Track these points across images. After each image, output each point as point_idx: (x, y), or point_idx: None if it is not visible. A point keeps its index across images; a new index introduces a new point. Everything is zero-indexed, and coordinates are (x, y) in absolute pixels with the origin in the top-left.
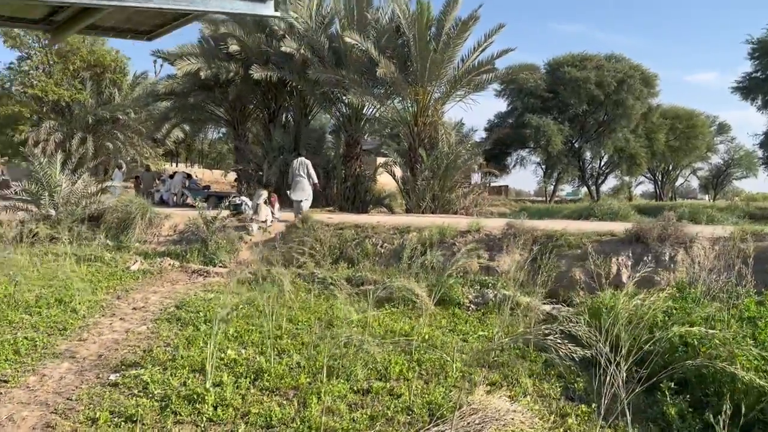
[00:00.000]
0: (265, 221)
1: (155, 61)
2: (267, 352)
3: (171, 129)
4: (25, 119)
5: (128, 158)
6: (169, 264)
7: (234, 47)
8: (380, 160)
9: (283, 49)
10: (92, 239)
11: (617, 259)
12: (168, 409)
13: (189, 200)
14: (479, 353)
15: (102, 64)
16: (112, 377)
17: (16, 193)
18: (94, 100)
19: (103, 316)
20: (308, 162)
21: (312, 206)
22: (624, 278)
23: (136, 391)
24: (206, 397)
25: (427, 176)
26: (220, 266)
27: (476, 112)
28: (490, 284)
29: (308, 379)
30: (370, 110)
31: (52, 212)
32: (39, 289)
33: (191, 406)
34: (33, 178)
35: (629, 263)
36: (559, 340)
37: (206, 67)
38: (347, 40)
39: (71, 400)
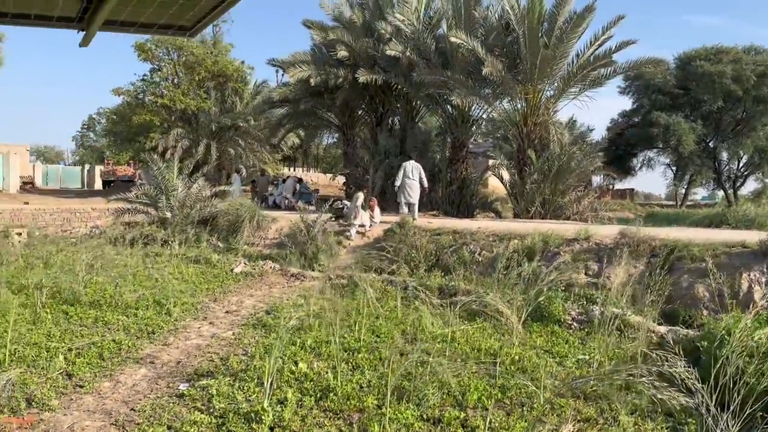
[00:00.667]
0: (364, 225)
1: (277, 71)
2: (339, 367)
3: (285, 135)
4: (155, 127)
5: (248, 163)
6: (270, 267)
7: (342, 53)
8: (490, 162)
9: (388, 52)
10: (204, 241)
11: (748, 275)
12: (224, 428)
13: (299, 204)
14: (574, 381)
15: (225, 74)
16: (182, 387)
17: (137, 196)
18: (218, 109)
19: (194, 319)
20: (420, 166)
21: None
22: (756, 297)
23: (199, 405)
24: (263, 417)
25: (536, 179)
26: (319, 270)
27: (596, 111)
28: (596, 300)
29: (376, 402)
30: (477, 111)
31: (168, 215)
32: (142, 291)
33: (247, 426)
34: (153, 182)
35: (763, 280)
36: (657, 382)
37: (316, 74)
38: (452, 39)
39: (134, 411)
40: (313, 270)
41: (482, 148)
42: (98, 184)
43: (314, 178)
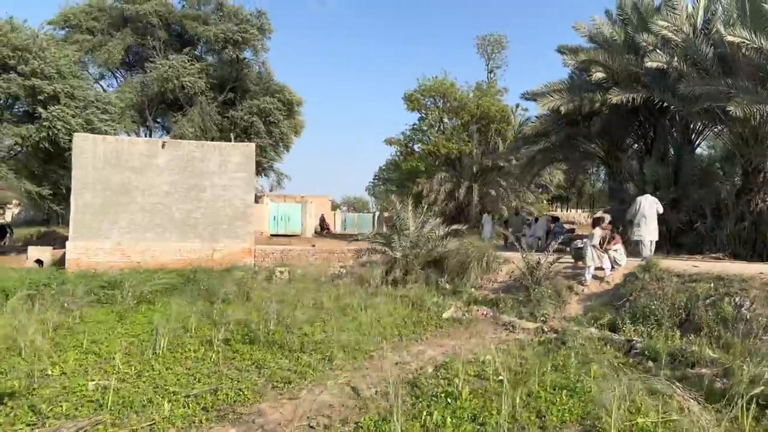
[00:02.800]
0: (603, 268)
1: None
2: None
3: (538, 171)
4: (421, 173)
5: (510, 204)
6: (483, 314)
7: (598, 74)
8: None
9: (649, 64)
10: (432, 282)
11: None
12: None
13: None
14: None
15: (488, 116)
16: None
17: (373, 237)
18: (480, 151)
19: (356, 368)
20: (657, 200)
21: (694, 252)
22: None
23: None
24: None
25: None
26: (542, 320)
27: None
28: None
29: None
30: None
31: (398, 255)
32: (334, 332)
33: None
34: (391, 223)
35: None
36: None
37: (568, 101)
38: (730, 39)
39: None
40: (534, 319)
41: None
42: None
43: (583, 217)
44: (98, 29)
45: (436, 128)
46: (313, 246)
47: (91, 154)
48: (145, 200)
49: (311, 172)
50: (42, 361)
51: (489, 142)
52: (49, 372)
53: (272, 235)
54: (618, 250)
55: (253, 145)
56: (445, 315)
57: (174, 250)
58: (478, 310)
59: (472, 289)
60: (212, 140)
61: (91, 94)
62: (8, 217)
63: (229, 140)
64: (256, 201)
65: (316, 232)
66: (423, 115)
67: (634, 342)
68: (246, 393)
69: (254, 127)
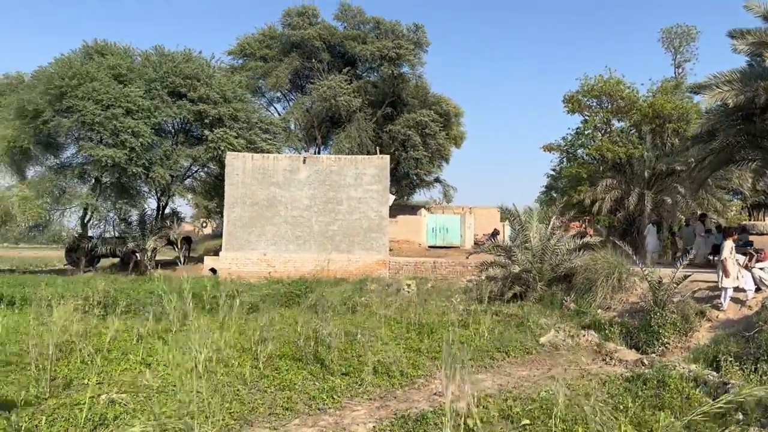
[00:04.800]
0: (744, 290)
1: None
2: None
3: (709, 175)
4: (583, 180)
5: (689, 212)
6: (587, 340)
7: None
8: None
9: None
10: (556, 302)
11: None
12: None
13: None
14: None
15: (662, 115)
16: None
17: (491, 249)
18: (653, 154)
19: (381, 396)
20: None
21: None
22: None
23: None
24: None
25: None
26: (659, 351)
27: None
28: None
29: None
30: None
31: (516, 269)
32: (396, 353)
33: None
34: (515, 235)
35: None
36: None
37: (737, 93)
38: None
39: None
40: (651, 350)
41: None
42: None
43: None
44: (270, 56)
45: (602, 131)
46: (467, 258)
47: (240, 171)
48: (288, 213)
49: (479, 182)
50: (89, 368)
51: (665, 143)
52: (85, 381)
53: (430, 247)
54: (765, 268)
55: (387, 158)
56: (542, 339)
57: (313, 260)
58: (584, 336)
59: (599, 311)
60: (367, 155)
61: (255, 116)
62: (208, 230)
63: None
64: (415, 213)
65: (476, 243)
66: (586, 117)
67: (729, 385)
68: (227, 420)
69: (411, 140)
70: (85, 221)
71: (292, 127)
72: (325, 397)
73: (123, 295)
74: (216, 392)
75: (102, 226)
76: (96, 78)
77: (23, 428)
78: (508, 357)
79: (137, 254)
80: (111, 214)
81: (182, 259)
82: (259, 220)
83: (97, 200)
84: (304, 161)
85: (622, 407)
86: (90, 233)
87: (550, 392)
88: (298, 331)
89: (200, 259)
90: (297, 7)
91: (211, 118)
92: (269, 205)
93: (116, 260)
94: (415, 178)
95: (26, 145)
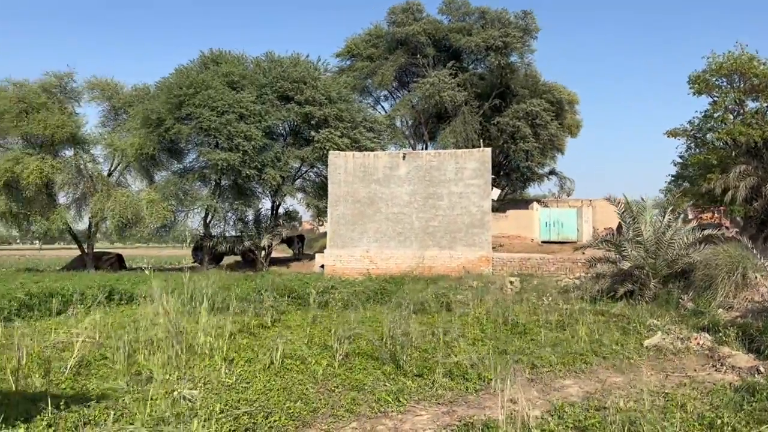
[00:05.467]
0: None
1: None
2: None
3: None
4: (713, 167)
5: None
6: (698, 344)
7: None
8: None
9: None
10: (672, 301)
11: None
12: None
13: None
14: None
15: None
16: None
17: (600, 244)
18: None
19: (451, 401)
20: None
21: None
22: None
23: None
24: None
25: None
26: None
27: None
28: None
29: None
30: None
31: (626, 266)
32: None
33: None
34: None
35: None
36: None
37: None
38: None
39: None
40: (760, 355)
41: None
42: None
43: None
44: (376, 55)
45: (734, 113)
46: (583, 253)
47: (342, 170)
48: (389, 210)
49: (601, 173)
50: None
51: None
52: (167, 377)
53: (543, 242)
54: None
55: (488, 151)
56: (647, 342)
57: (413, 257)
58: (693, 339)
59: (719, 310)
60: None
61: (359, 115)
62: (324, 228)
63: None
64: (527, 207)
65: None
66: (715, 98)
67: None
68: (284, 420)
69: (520, 131)
70: (207, 221)
71: (398, 124)
72: (390, 400)
73: (225, 292)
74: (284, 390)
75: (221, 226)
76: (211, 86)
77: (91, 421)
78: (605, 361)
79: (254, 252)
80: (229, 214)
81: (296, 256)
82: (361, 217)
83: (216, 201)
84: (404, 158)
85: (719, 422)
86: (212, 232)
87: (640, 402)
88: (380, 329)
89: (314, 257)
90: (401, 4)
91: (317, 119)
92: (370, 202)
93: (239, 258)
94: (526, 171)
95: (152, 151)
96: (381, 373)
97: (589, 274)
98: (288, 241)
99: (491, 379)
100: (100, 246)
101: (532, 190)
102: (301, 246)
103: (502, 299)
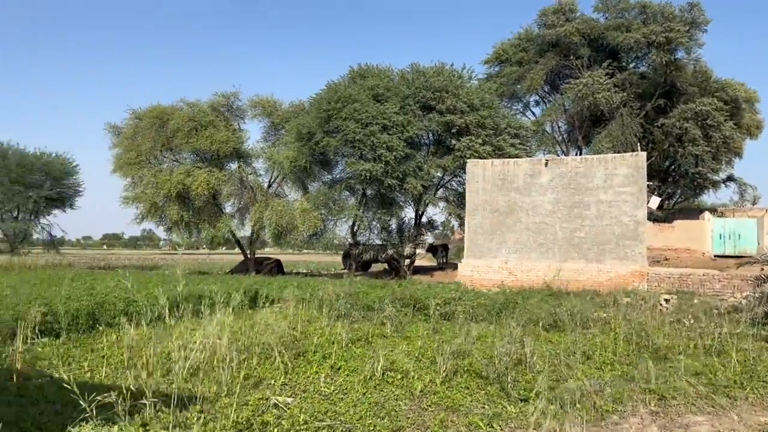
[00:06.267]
0: None
1: None
2: None
3: None
4: None
5: None
6: None
7: None
8: None
9: None
10: None
11: None
12: None
13: None
14: None
15: None
16: None
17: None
18: None
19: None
20: None
21: None
22: None
23: None
24: None
25: None
26: None
27: None
28: None
29: None
30: None
31: None
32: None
33: None
34: None
35: None
36: None
37: None
38: None
39: None
40: None
41: None
42: None
43: None
44: (526, 59)
45: None
46: (762, 270)
47: (480, 178)
48: (529, 220)
49: None
50: (281, 369)
51: None
52: (272, 382)
53: (716, 256)
54: None
55: (642, 155)
56: None
57: (556, 269)
58: None
59: None
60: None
61: (503, 122)
62: None
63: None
64: (698, 217)
65: None
66: None
67: None
68: None
69: (688, 134)
70: (354, 230)
71: (549, 129)
72: (482, 425)
73: (352, 299)
74: (375, 405)
75: (366, 234)
76: (357, 99)
77: (181, 424)
78: (754, 396)
79: (397, 260)
80: (374, 223)
81: (440, 265)
82: (500, 227)
83: (362, 211)
84: (546, 164)
85: None
86: (359, 240)
87: None
88: (495, 345)
89: (457, 266)
90: (553, 5)
91: (458, 127)
92: (509, 211)
93: (386, 265)
94: (696, 177)
95: (305, 163)
96: (483, 394)
97: (757, 294)
98: (432, 250)
99: (607, 411)
100: (269, 252)
101: (708, 198)
102: (445, 255)
103: (650, 319)
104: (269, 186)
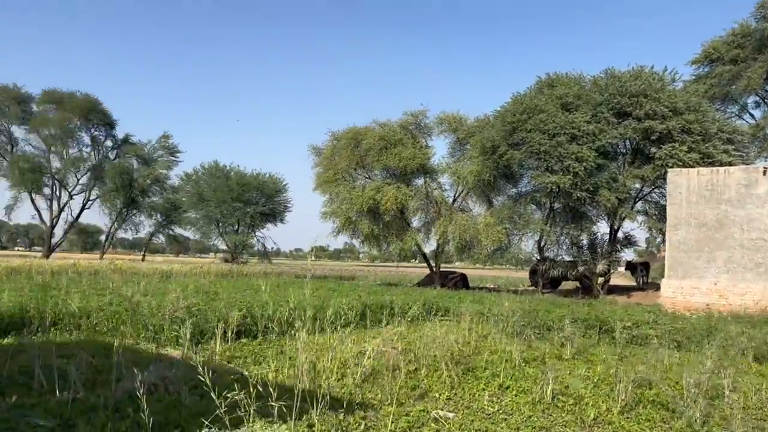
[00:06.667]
0: None
1: None
2: None
3: None
4: None
5: None
6: None
7: None
8: None
9: None
10: None
11: None
12: None
13: None
14: None
15: None
16: None
17: None
18: None
19: None
20: None
21: None
22: None
23: None
24: None
25: None
26: None
27: None
28: None
29: None
30: None
31: None
32: None
33: None
34: None
35: None
36: None
37: None
38: None
39: None
40: None
41: None
42: None
43: None
44: (741, 57)
45: None
46: None
47: (684, 189)
48: (744, 236)
49: None
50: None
51: None
52: (437, 395)
53: None
54: None
55: None
56: None
57: None
58: None
59: None
60: None
61: (713, 126)
62: None
63: None
64: None
65: None
66: None
67: None
68: None
69: None
70: (541, 245)
71: None
72: None
73: (530, 316)
74: (540, 429)
75: (554, 250)
76: (543, 110)
77: (344, 428)
78: None
79: (589, 278)
80: (562, 238)
81: (639, 285)
82: (707, 243)
83: (549, 225)
84: (765, 172)
85: None
86: (546, 256)
87: None
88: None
89: (659, 286)
90: None
91: (658, 134)
92: (719, 226)
93: (577, 283)
94: None
95: (488, 177)
96: (666, 429)
97: None
98: (631, 268)
99: None
100: (457, 266)
101: None
102: (646, 274)
103: None
104: (454, 201)
